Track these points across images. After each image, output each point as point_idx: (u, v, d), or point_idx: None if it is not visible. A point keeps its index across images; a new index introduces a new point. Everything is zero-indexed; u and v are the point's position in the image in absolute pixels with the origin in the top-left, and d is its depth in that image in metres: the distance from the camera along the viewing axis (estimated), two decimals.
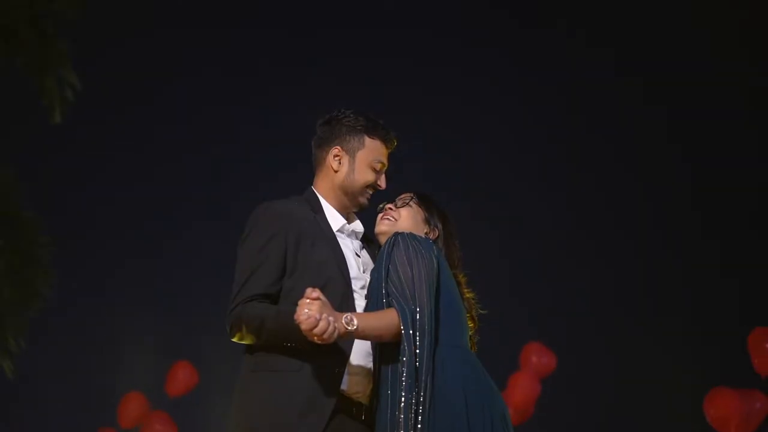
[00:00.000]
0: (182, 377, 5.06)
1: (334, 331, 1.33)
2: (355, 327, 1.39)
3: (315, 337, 1.33)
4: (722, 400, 3.70)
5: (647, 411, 5.04)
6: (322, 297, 1.36)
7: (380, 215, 1.75)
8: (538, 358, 4.68)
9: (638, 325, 6.15)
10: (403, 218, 1.71)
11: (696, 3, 5.39)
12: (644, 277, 6.34)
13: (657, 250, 5.93)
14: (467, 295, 1.72)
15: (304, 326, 1.32)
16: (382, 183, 1.72)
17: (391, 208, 1.74)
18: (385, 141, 1.71)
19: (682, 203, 5.82)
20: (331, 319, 1.33)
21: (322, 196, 1.70)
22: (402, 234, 1.60)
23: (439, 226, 1.74)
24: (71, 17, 0.95)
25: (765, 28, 5.00)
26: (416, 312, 1.47)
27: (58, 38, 0.93)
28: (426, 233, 1.70)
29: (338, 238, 1.65)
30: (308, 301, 1.35)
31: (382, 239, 1.67)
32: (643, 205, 6.04)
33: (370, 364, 1.58)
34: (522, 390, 4.44)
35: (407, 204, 1.75)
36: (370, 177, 1.68)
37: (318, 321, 1.31)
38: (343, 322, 1.37)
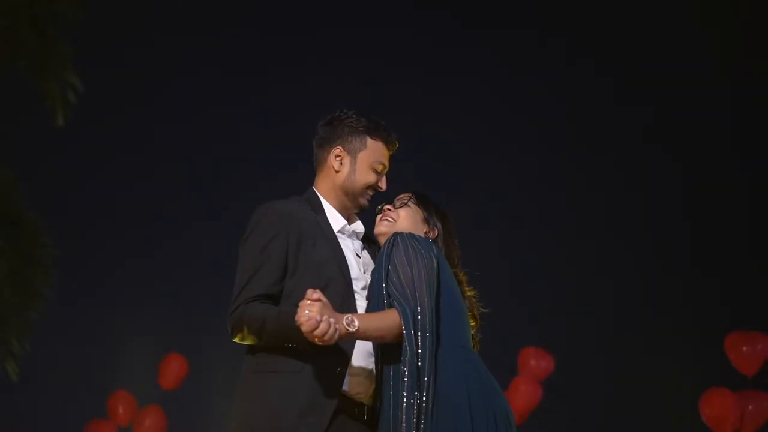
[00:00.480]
0: (174, 369, 5.11)
1: (335, 332, 1.34)
2: (356, 328, 1.39)
3: (316, 339, 1.33)
4: (717, 400, 3.71)
5: (647, 411, 5.04)
6: (322, 298, 1.36)
7: (379, 216, 1.75)
8: (536, 362, 4.68)
9: (638, 325, 6.16)
10: (401, 218, 1.71)
11: (695, 4, 5.40)
12: (644, 277, 6.35)
13: (656, 250, 5.93)
14: (468, 294, 1.73)
15: (304, 328, 1.32)
16: (383, 184, 1.72)
17: (389, 209, 1.75)
18: (386, 142, 1.71)
19: (682, 205, 5.83)
20: (332, 320, 1.33)
21: (323, 197, 1.70)
22: (401, 234, 1.60)
23: (438, 225, 1.74)
24: (72, 17, 0.95)
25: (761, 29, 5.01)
26: (417, 312, 1.47)
27: (59, 40, 0.93)
28: (425, 233, 1.71)
29: (339, 239, 1.65)
30: (309, 302, 1.35)
31: (382, 240, 1.67)
32: (643, 206, 6.04)
33: (372, 365, 1.58)
34: (524, 396, 4.44)
35: (405, 204, 1.75)
36: (371, 178, 1.68)
37: (319, 322, 1.31)
38: (344, 323, 1.37)
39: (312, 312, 1.32)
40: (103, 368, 5.47)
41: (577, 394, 5.05)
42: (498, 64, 6.03)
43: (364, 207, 1.73)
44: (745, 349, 3.85)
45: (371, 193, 1.72)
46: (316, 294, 1.36)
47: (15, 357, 1.12)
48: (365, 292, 1.63)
